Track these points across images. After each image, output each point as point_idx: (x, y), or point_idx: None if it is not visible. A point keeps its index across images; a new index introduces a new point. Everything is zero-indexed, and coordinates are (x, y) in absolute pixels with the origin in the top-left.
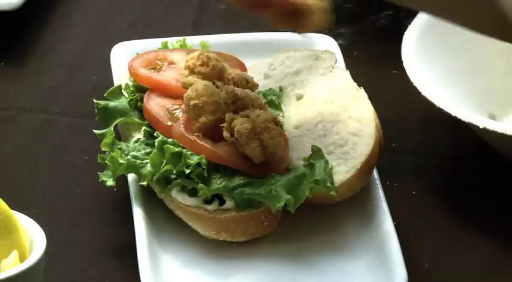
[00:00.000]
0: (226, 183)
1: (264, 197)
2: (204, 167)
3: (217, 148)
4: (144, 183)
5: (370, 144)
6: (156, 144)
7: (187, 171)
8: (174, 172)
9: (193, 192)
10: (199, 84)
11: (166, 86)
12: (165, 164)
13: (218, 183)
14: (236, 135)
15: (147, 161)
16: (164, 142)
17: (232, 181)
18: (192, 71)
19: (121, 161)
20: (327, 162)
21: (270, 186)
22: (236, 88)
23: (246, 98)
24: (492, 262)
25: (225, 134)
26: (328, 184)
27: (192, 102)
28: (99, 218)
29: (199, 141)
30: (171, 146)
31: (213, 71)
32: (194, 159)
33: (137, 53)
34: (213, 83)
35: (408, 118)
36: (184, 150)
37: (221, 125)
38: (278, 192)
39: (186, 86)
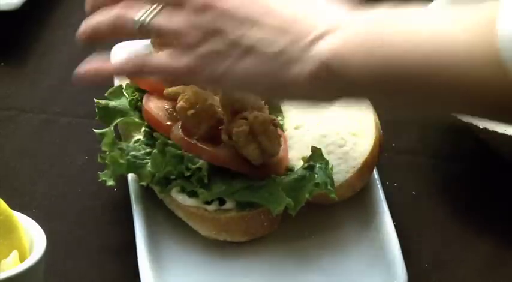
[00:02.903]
0: (227, 186)
1: (265, 200)
2: (205, 173)
3: (217, 150)
4: (144, 183)
5: (370, 144)
6: (157, 146)
7: (188, 173)
8: (175, 173)
9: (193, 193)
10: (189, 92)
11: (161, 86)
12: (166, 166)
13: (218, 186)
14: (234, 138)
15: (147, 161)
16: (166, 144)
17: (233, 184)
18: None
19: (121, 161)
20: (327, 163)
21: (270, 190)
22: None
23: (244, 99)
24: (492, 262)
25: (223, 136)
26: (329, 186)
27: (188, 113)
28: (99, 218)
29: (199, 144)
30: (173, 148)
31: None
32: (196, 164)
33: None
34: None
35: (408, 118)
36: (186, 152)
37: (219, 128)
38: (278, 196)
39: (172, 96)
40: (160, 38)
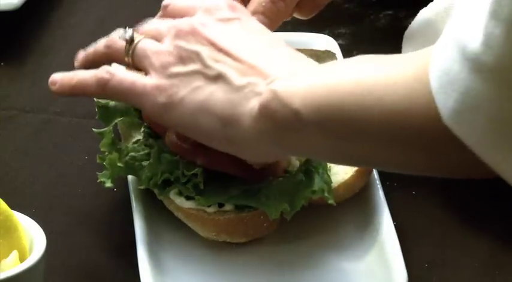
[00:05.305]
0: (223, 192)
1: (261, 204)
2: (200, 180)
3: (213, 154)
4: (142, 187)
5: None
6: (152, 154)
7: (184, 180)
8: (172, 178)
9: (190, 196)
10: None
11: None
12: (162, 173)
13: (214, 193)
14: None
15: (146, 162)
16: (161, 151)
17: (229, 190)
18: None
19: (119, 164)
20: (324, 168)
21: (267, 194)
22: None
23: None
24: (492, 262)
25: None
26: (326, 193)
27: None
28: (99, 218)
29: (193, 149)
30: (168, 155)
31: None
32: (191, 170)
33: None
34: None
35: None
36: (181, 158)
37: None
38: (275, 201)
39: None
40: (142, 61)
